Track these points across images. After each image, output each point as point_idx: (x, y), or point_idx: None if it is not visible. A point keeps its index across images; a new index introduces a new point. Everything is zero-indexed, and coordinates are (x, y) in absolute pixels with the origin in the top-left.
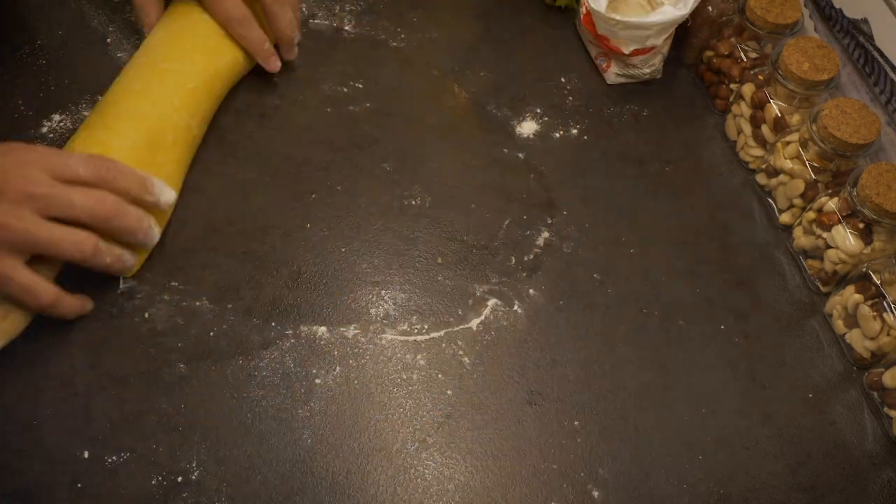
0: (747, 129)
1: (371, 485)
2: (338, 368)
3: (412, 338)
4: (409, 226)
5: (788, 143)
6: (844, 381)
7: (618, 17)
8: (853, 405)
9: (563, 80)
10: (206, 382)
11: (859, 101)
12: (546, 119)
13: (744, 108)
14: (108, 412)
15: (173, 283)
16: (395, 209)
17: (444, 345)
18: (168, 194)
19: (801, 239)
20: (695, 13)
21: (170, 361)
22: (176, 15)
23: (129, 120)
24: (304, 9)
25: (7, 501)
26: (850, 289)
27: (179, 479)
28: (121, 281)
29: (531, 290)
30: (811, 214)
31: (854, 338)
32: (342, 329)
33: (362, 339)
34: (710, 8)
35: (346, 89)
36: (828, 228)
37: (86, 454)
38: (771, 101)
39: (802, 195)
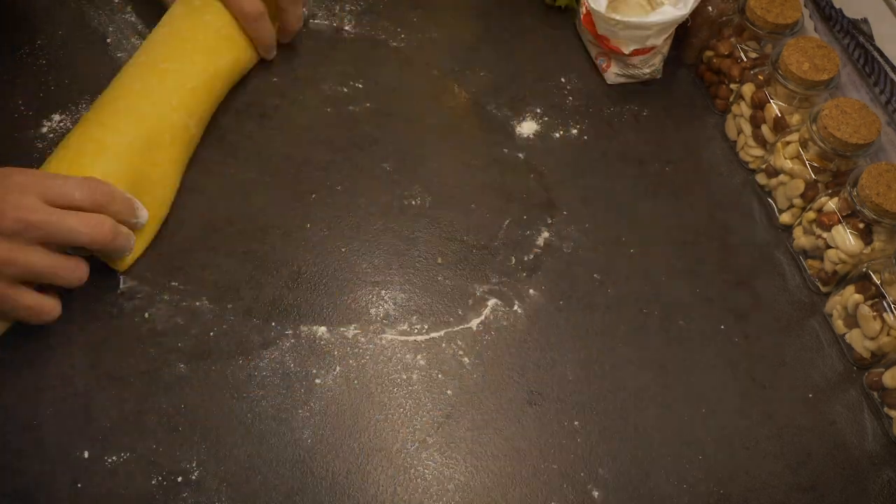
0: (747, 129)
1: (371, 485)
2: (338, 368)
3: (412, 338)
4: (409, 226)
5: (788, 143)
6: (844, 381)
7: (618, 17)
8: (853, 405)
9: (563, 80)
10: (206, 382)
11: (859, 101)
12: (546, 119)
13: (744, 108)
14: (108, 412)
15: (173, 283)
16: (395, 209)
17: (444, 345)
18: (144, 215)
19: (801, 239)
20: (695, 13)
21: (170, 361)
22: (177, 15)
23: (127, 118)
24: (305, 10)
25: (7, 501)
26: (850, 289)
27: (179, 479)
28: (121, 281)
29: (531, 290)
30: (811, 214)
31: (854, 338)
32: (342, 329)
33: (362, 339)
34: (710, 8)
35: (346, 89)
36: (828, 228)
37: (86, 454)
38: (771, 101)
39: (802, 195)
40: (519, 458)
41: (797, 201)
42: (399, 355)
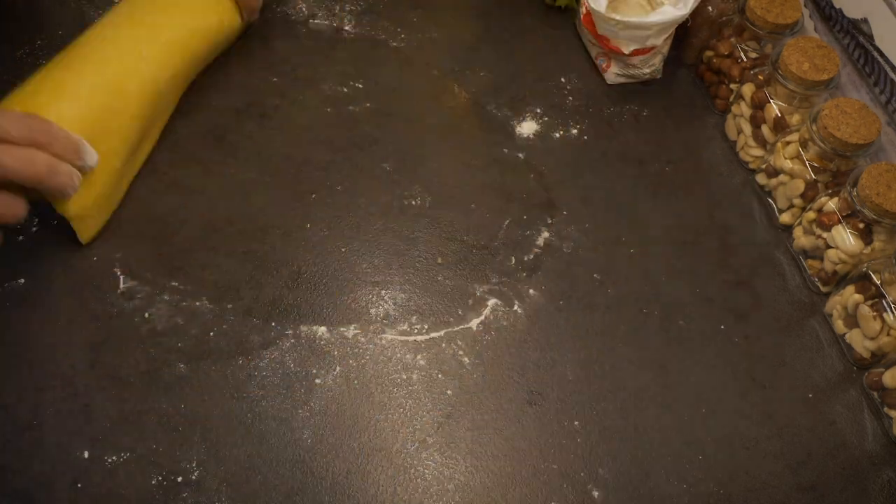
0: (747, 129)
1: (371, 485)
2: (338, 368)
3: (412, 338)
4: (409, 226)
5: (788, 143)
6: (844, 381)
7: (618, 17)
8: (853, 405)
9: (563, 80)
10: (206, 382)
11: (859, 101)
12: (546, 119)
13: (744, 108)
14: (108, 412)
15: (173, 283)
16: (395, 209)
17: (444, 345)
18: (93, 157)
19: (801, 239)
20: (695, 13)
21: (170, 361)
22: None
23: (92, 63)
24: (304, 8)
25: (7, 501)
26: (850, 289)
27: (179, 479)
28: (121, 281)
29: (531, 290)
30: (811, 214)
31: (854, 338)
32: (342, 329)
33: (362, 339)
34: (710, 8)
35: (346, 89)
36: (828, 228)
37: (86, 454)
38: (771, 101)
39: (802, 195)
40: (519, 458)
41: (797, 201)
42: (399, 355)
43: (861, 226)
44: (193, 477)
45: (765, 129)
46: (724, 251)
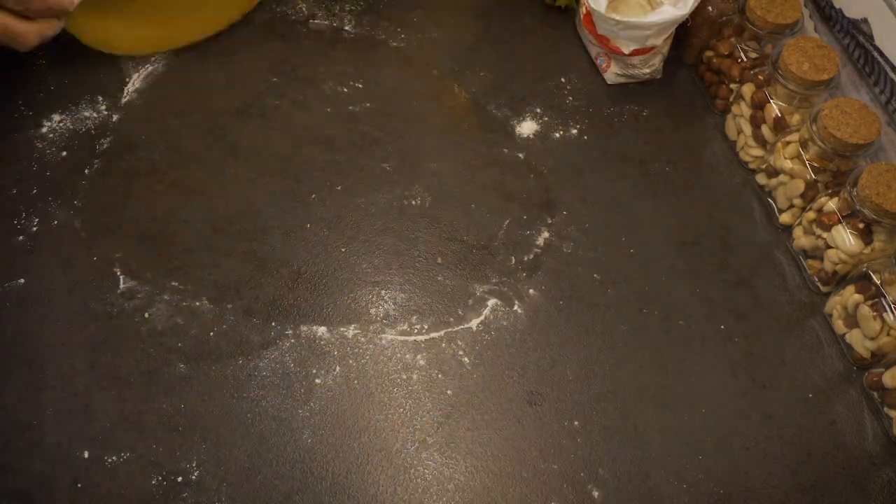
0: (747, 129)
1: (371, 485)
2: (338, 368)
3: (412, 338)
4: (409, 226)
5: (788, 143)
6: (844, 381)
7: (618, 17)
8: (853, 405)
9: (563, 80)
10: (206, 382)
11: (859, 101)
12: (546, 119)
13: (744, 108)
14: (108, 412)
15: (173, 283)
16: (395, 209)
17: (443, 345)
18: None
19: (801, 239)
20: (695, 13)
21: (170, 361)
22: None
23: None
24: (304, 8)
25: (7, 501)
26: (850, 289)
27: (179, 479)
28: (121, 281)
29: (531, 290)
30: (811, 214)
31: (854, 338)
32: (342, 329)
33: (362, 339)
34: (710, 8)
35: (346, 89)
36: (828, 228)
37: (86, 454)
38: (771, 101)
39: (802, 195)
40: (519, 458)
41: (797, 201)
42: (399, 355)
43: (861, 226)
44: (193, 477)
45: (765, 129)
46: (724, 251)
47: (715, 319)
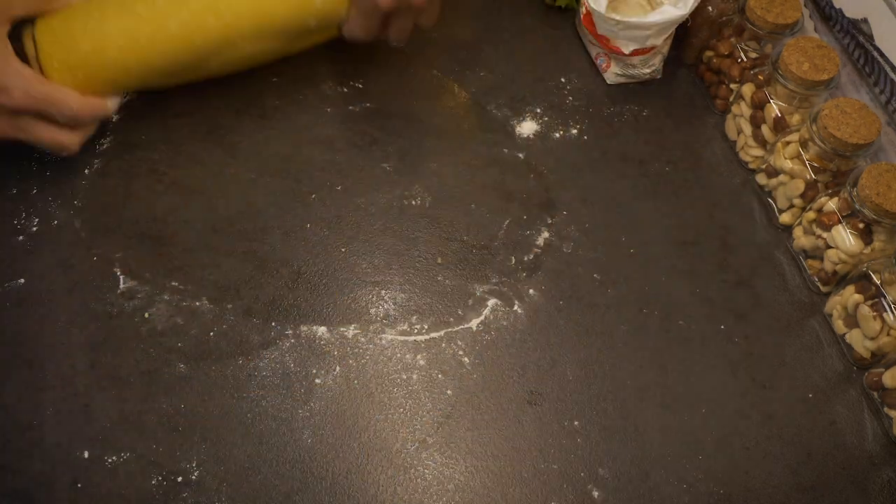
0: (747, 129)
1: (371, 485)
2: (338, 368)
3: (412, 338)
4: (409, 226)
5: (788, 143)
6: (844, 381)
7: (618, 17)
8: (853, 405)
9: (563, 80)
10: (206, 382)
11: (859, 101)
12: (546, 119)
13: (744, 108)
14: (108, 412)
15: (173, 283)
16: (395, 209)
17: (443, 345)
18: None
19: (801, 239)
20: (695, 13)
21: (170, 361)
22: None
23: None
24: None
25: (7, 501)
26: (850, 289)
27: (179, 479)
28: (121, 281)
29: (531, 290)
30: (811, 214)
31: (854, 338)
32: (342, 329)
33: (362, 339)
34: (710, 8)
35: (346, 89)
36: (828, 228)
37: (86, 454)
38: (771, 101)
39: (802, 195)
40: (519, 458)
41: (797, 201)
42: (399, 355)
43: (861, 226)
44: (193, 477)
45: (765, 129)
46: (724, 251)
47: (715, 319)
